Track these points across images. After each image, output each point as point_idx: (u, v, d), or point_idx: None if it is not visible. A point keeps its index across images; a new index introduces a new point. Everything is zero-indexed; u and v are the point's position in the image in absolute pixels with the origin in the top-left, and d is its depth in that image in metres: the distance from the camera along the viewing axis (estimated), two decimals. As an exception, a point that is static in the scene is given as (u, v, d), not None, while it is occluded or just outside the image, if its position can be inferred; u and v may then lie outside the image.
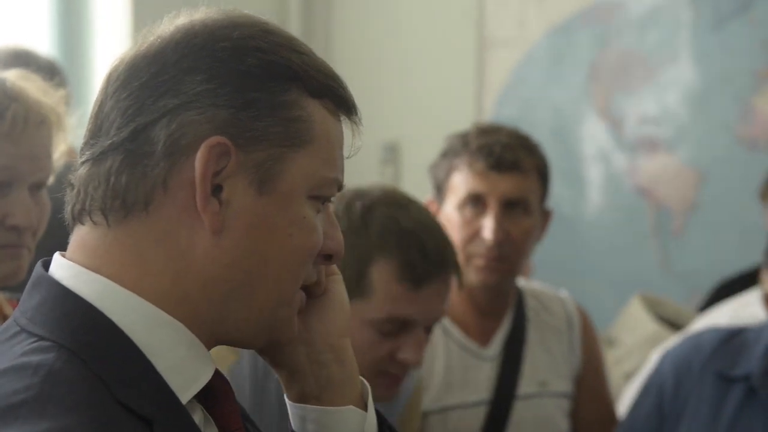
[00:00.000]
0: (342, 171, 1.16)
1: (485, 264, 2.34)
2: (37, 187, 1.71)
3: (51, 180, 1.74)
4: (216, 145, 1.07)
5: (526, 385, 2.40)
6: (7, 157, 1.66)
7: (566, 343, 2.48)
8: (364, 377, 1.82)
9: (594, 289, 3.74)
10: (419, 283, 1.87)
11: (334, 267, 1.24)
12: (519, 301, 2.47)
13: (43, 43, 3.37)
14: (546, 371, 2.44)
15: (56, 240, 1.72)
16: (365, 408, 1.23)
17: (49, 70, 2.12)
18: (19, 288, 1.81)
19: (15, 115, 1.65)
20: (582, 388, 2.48)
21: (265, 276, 1.10)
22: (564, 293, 2.58)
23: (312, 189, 1.12)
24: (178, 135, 1.07)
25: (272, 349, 1.21)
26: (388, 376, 1.89)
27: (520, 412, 2.38)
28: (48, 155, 1.71)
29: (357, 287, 1.84)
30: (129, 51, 1.12)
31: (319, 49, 1.17)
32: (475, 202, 2.33)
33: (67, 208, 1.13)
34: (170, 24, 1.13)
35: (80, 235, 1.11)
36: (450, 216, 2.35)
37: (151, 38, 1.12)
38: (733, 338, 2.30)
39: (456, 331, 2.39)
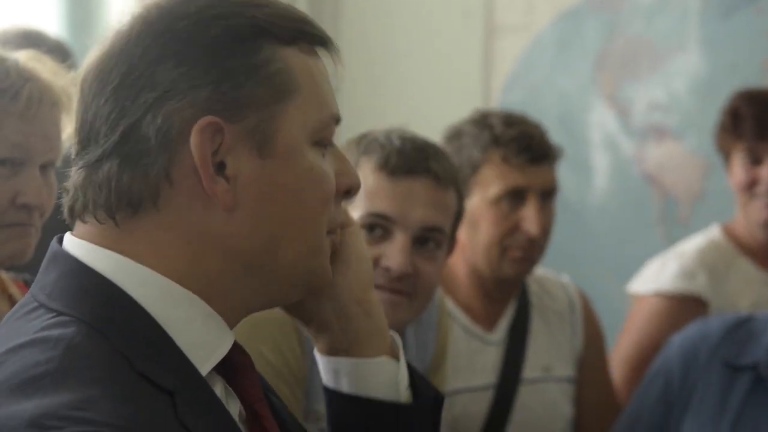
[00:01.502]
0: (335, 104, 1.16)
1: (524, 256, 2.35)
2: (47, 167, 1.72)
3: (59, 163, 1.76)
4: (206, 126, 1.07)
5: (530, 369, 2.41)
6: (20, 135, 1.67)
7: (568, 327, 2.50)
8: None
9: (599, 275, 3.74)
10: (393, 173, 1.88)
11: (351, 218, 1.24)
12: (522, 287, 2.48)
13: (52, 24, 3.37)
14: (550, 356, 2.45)
15: (61, 222, 1.73)
16: (397, 359, 1.23)
17: (58, 52, 2.12)
18: (23, 268, 1.82)
19: (30, 94, 1.66)
20: (584, 371, 2.49)
21: (288, 236, 1.11)
22: (565, 278, 2.59)
23: (311, 135, 1.12)
24: (166, 127, 1.07)
25: (299, 306, 1.21)
26: (383, 292, 1.85)
27: (525, 397, 2.39)
28: (59, 136, 1.72)
29: None
30: (93, 54, 1.11)
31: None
32: (514, 195, 2.33)
33: (64, 209, 1.13)
34: (127, 15, 1.11)
35: (86, 227, 1.11)
36: (479, 210, 2.34)
37: (112, 35, 1.10)
38: (740, 326, 2.31)
39: (461, 316, 2.40)
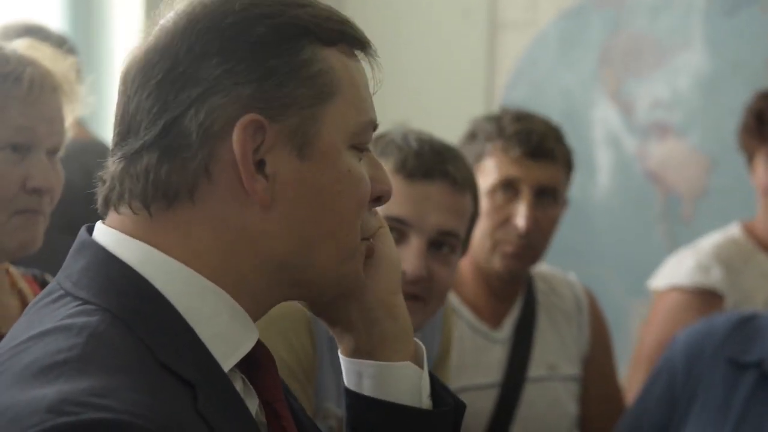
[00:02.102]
0: (373, 110, 1.16)
1: (514, 251, 2.34)
2: (52, 152, 1.72)
3: (62, 152, 1.75)
4: (249, 123, 1.07)
5: (536, 367, 2.41)
6: (26, 118, 1.67)
7: (575, 325, 2.49)
8: None
9: (602, 273, 3.73)
10: (410, 176, 1.86)
11: (381, 220, 1.24)
12: (529, 285, 2.47)
13: (54, 20, 3.37)
14: (555, 354, 2.44)
15: (69, 216, 1.73)
16: (421, 366, 1.23)
17: (61, 46, 2.12)
18: (30, 263, 1.82)
19: (32, 78, 1.66)
20: (589, 369, 2.49)
21: (322, 238, 1.11)
22: (572, 276, 2.58)
23: (350, 139, 1.12)
24: (209, 122, 1.07)
25: (325, 306, 1.21)
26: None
27: (531, 395, 2.39)
28: (62, 121, 1.72)
29: None
30: (137, 48, 1.12)
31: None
32: (508, 187, 2.33)
33: (99, 198, 1.13)
34: (170, 11, 1.12)
35: (118, 217, 1.12)
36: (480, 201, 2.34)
37: (156, 30, 1.11)
38: (746, 324, 2.30)
39: (467, 313, 2.39)
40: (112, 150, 1.12)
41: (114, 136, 1.13)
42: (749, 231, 2.80)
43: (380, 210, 1.84)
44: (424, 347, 1.25)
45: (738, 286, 2.71)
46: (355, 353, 1.22)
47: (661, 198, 3.85)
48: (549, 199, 2.37)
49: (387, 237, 1.24)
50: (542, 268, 2.54)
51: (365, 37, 1.17)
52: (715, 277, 2.70)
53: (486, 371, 2.37)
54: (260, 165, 1.09)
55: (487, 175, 2.34)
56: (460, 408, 1.24)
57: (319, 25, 1.12)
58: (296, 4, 1.12)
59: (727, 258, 2.73)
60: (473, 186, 1.95)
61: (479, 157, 2.36)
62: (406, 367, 1.21)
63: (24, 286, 1.77)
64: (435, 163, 1.89)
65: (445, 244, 1.90)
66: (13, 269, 1.78)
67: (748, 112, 2.77)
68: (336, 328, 1.23)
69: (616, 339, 2.81)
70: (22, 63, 1.68)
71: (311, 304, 1.21)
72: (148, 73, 1.10)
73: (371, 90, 1.17)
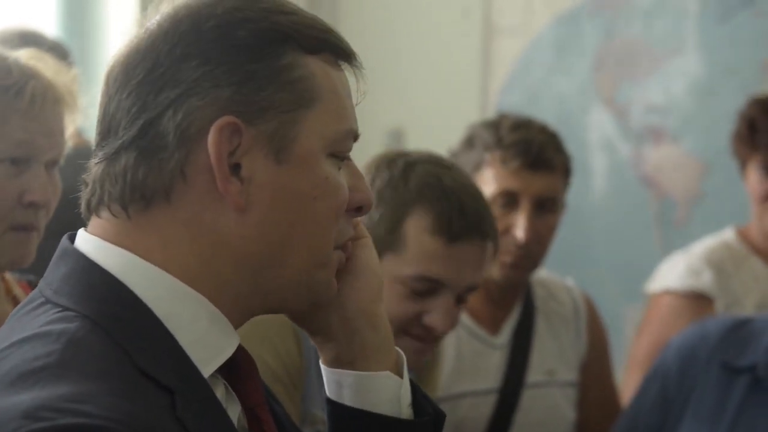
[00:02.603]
0: (355, 120, 1.16)
1: (513, 261, 2.34)
2: (51, 165, 1.72)
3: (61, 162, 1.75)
4: (225, 126, 1.07)
5: (534, 373, 2.40)
6: (25, 132, 1.66)
7: (573, 330, 2.49)
8: None
9: (597, 277, 3.74)
10: (453, 239, 1.83)
11: (363, 230, 1.23)
12: (528, 291, 2.47)
13: (49, 25, 3.37)
14: (554, 360, 2.44)
15: (64, 222, 1.73)
16: (401, 375, 1.22)
17: (56, 52, 2.12)
18: (27, 269, 1.82)
19: (34, 91, 1.66)
20: (587, 374, 2.49)
21: (296, 243, 1.11)
22: (570, 281, 2.59)
23: (328, 146, 1.12)
24: (186, 124, 1.08)
25: (306, 316, 1.21)
26: (414, 339, 1.86)
27: (529, 401, 2.39)
28: (62, 133, 1.72)
29: (390, 240, 1.82)
30: (121, 49, 1.12)
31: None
32: (507, 199, 2.32)
33: (82, 203, 1.14)
34: (155, 14, 1.12)
35: (99, 222, 1.12)
36: None
37: (140, 32, 1.12)
38: (740, 328, 2.30)
39: (466, 319, 2.39)
40: (94, 151, 1.13)
41: (96, 136, 1.13)
42: (743, 235, 2.81)
43: (418, 267, 1.83)
44: (404, 356, 1.25)
45: (728, 289, 2.72)
46: (335, 363, 1.22)
47: (656, 202, 3.85)
48: (548, 208, 2.36)
49: (369, 247, 1.23)
50: (540, 273, 2.54)
51: (350, 48, 1.17)
52: (706, 281, 2.72)
53: (485, 377, 2.37)
54: (236, 168, 1.08)
55: (486, 185, 2.33)
56: (440, 418, 1.24)
57: (302, 32, 1.12)
58: (280, 11, 1.12)
59: (718, 262, 2.74)
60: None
61: (478, 166, 2.35)
62: (387, 377, 1.21)
63: (19, 292, 1.77)
64: (478, 225, 1.85)
65: (468, 295, 1.91)
66: (8, 276, 1.78)
67: (740, 119, 2.78)
68: (317, 338, 1.23)
69: (612, 343, 2.81)
70: (25, 75, 1.67)
71: (288, 314, 1.21)
72: (130, 73, 1.10)
73: (355, 101, 1.17)
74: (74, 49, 3.09)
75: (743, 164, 2.78)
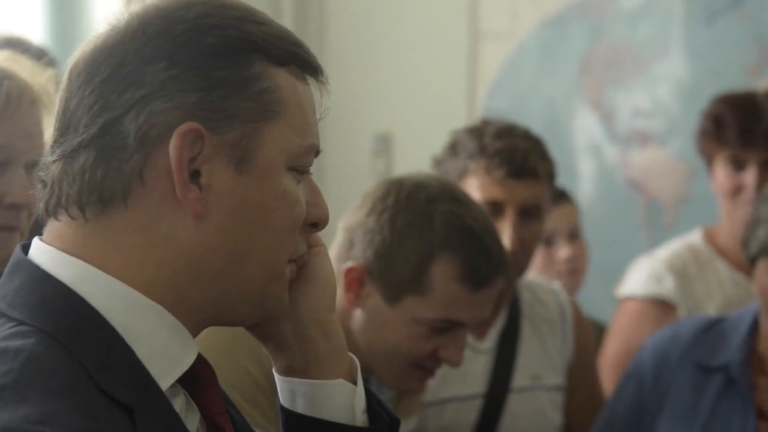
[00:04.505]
0: (317, 136, 1.15)
1: None
2: (31, 166, 1.71)
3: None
4: (188, 132, 1.07)
5: (520, 378, 2.40)
6: (2, 135, 1.66)
7: (559, 334, 2.49)
8: (400, 369, 1.82)
9: (585, 280, 3.74)
10: (479, 287, 1.86)
11: (319, 238, 1.23)
12: (514, 295, 2.47)
13: (36, 33, 3.37)
14: (540, 365, 2.44)
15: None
16: (355, 383, 1.22)
17: (42, 59, 2.11)
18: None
19: (9, 92, 1.65)
20: (573, 378, 2.49)
21: (252, 254, 1.10)
22: (556, 285, 2.59)
23: (290, 160, 1.12)
24: (148, 126, 1.07)
25: (259, 324, 1.20)
26: (423, 370, 1.89)
27: (515, 406, 2.38)
28: (41, 134, 1.71)
29: (415, 283, 1.84)
30: (87, 45, 1.11)
31: (312, 40, 1.17)
32: (492, 208, 2.32)
33: (40, 204, 1.12)
34: (125, 12, 1.11)
35: (56, 227, 1.10)
36: None
37: (108, 29, 1.10)
38: (712, 328, 2.32)
39: (452, 324, 2.39)
40: (51, 146, 1.11)
41: (54, 131, 1.12)
42: (709, 237, 2.82)
43: (441, 311, 1.84)
44: (358, 363, 1.25)
45: (691, 294, 2.74)
46: (288, 372, 1.21)
47: (643, 205, 3.86)
48: (533, 215, 2.36)
49: (323, 255, 1.23)
50: (527, 277, 2.54)
51: (317, 62, 1.16)
52: (668, 287, 2.74)
53: (470, 382, 2.37)
54: (195, 175, 1.08)
55: (471, 193, 2.33)
56: (395, 424, 1.24)
57: (271, 43, 1.11)
58: (251, 21, 1.11)
59: (680, 267, 2.76)
60: None
61: (462, 175, 2.35)
62: (340, 385, 1.21)
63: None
64: (499, 268, 1.89)
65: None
66: None
67: (705, 117, 2.79)
68: (269, 346, 1.22)
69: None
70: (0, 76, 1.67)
71: (240, 324, 1.20)
72: (94, 70, 1.08)
73: (318, 116, 1.16)
74: (61, 55, 3.09)
75: (710, 161, 2.79)
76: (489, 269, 1.87)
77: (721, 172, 2.75)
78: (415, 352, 1.86)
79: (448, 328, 1.88)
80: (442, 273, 1.85)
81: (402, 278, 1.85)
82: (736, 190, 2.71)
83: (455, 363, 1.89)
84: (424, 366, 1.89)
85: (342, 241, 1.91)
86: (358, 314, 1.88)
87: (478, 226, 1.87)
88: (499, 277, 1.89)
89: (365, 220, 1.88)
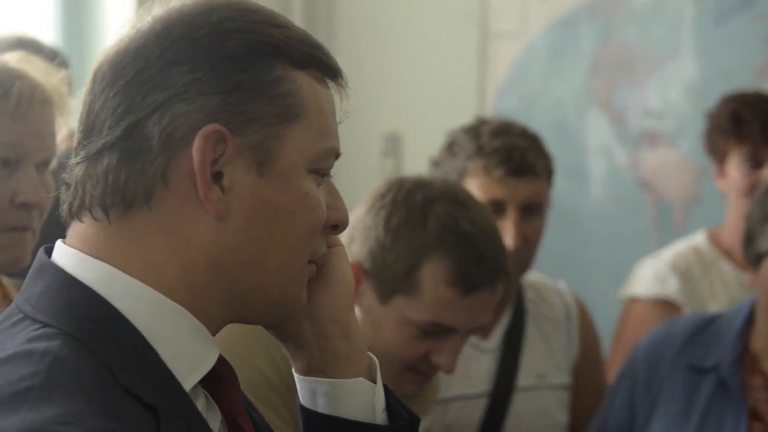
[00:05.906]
0: (337, 139, 1.16)
1: None
2: (42, 166, 1.72)
3: (54, 164, 1.75)
4: (211, 134, 1.08)
5: (524, 377, 2.41)
6: (13, 134, 1.67)
7: (564, 334, 2.49)
8: (395, 371, 1.82)
9: (594, 281, 3.74)
10: (469, 291, 1.84)
11: (337, 238, 1.24)
12: (519, 294, 2.47)
13: (47, 33, 3.38)
14: (544, 364, 2.45)
15: (58, 225, 1.74)
16: (374, 381, 1.23)
17: (55, 59, 2.12)
18: (24, 274, 1.82)
19: (20, 92, 1.66)
20: (579, 377, 2.50)
21: (272, 256, 1.11)
22: (562, 284, 2.59)
23: (310, 163, 1.13)
24: (171, 128, 1.08)
25: (278, 324, 1.21)
26: (418, 374, 1.88)
27: (519, 405, 2.39)
28: (52, 134, 1.72)
29: (405, 283, 1.83)
30: (111, 48, 1.12)
31: (321, 41, 1.17)
32: (493, 207, 2.32)
33: (64, 206, 1.13)
34: (147, 15, 1.12)
35: (80, 229, 1.12)
36: None
37: (131, 32, 1.12)
38: (705, 328, 2.32)
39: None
40: (75, 148, 1.13)
41: (77, 133, 1.13)
42: (714, 238, 2.82)
43: (431, 314, 1.81)
44: (377, 361, 1.25)
45: (695, 295, 2.74)
46: (308, 371, 1.23)
47: (653, 206, 3.86)
48: (534, 212, 2.37)
49: (341, 255, 1.24)
50: (532, 276, 2.55)
51: (337, 65, 1.17)
52: (672, 288, 2.74)
53: (475, 381, 2.37)
54: (217, 176, 1.09)
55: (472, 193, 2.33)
56: (414, 422, 1.25)
57: (293, 46, 1.12)
58: (273, 24, 1.13)
59: (684, 268, 2.76)
60: None
61: (461, 175, 2.35)
62: (360, 384, 1.22)
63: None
64: (493, 272, 1.86)
65: (475, 333, 1.93)
66: (6, 280, 1.79)
67: (720, 114, 2.78)
68: (289, 345, 1.23)
69: (608, 347, 2.82)
70: (11, 77, 1.67)
71: (259, 324, 1.21)
72: (118, 72, 1.10)
73: (338, 119, 1.17)
74: (72, 56, 3.10)
75: (721, 159, 2.78)
76: (481, 274, 1.84)
77: (736, 170, 2.74)
78: (407, 354, 1.85)
79: (438, 332, 1.86)
80: (432, 274, 1.84)
81: (393, 277, 1.84)
82: (752, 188, 2.70)
83: (447, 369, 1.88)
84: (419, 370, 1.88)
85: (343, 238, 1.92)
86: (356, 312, 1.89)
87: (473, 230, 1.85)
88: (494, 284, 1.86)
89: (364, 218, 1.89)
